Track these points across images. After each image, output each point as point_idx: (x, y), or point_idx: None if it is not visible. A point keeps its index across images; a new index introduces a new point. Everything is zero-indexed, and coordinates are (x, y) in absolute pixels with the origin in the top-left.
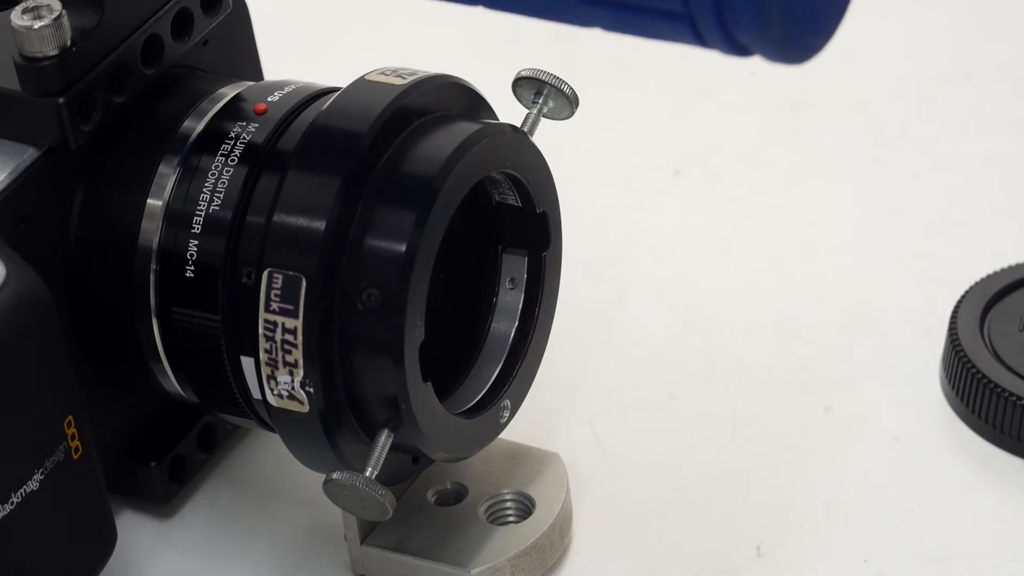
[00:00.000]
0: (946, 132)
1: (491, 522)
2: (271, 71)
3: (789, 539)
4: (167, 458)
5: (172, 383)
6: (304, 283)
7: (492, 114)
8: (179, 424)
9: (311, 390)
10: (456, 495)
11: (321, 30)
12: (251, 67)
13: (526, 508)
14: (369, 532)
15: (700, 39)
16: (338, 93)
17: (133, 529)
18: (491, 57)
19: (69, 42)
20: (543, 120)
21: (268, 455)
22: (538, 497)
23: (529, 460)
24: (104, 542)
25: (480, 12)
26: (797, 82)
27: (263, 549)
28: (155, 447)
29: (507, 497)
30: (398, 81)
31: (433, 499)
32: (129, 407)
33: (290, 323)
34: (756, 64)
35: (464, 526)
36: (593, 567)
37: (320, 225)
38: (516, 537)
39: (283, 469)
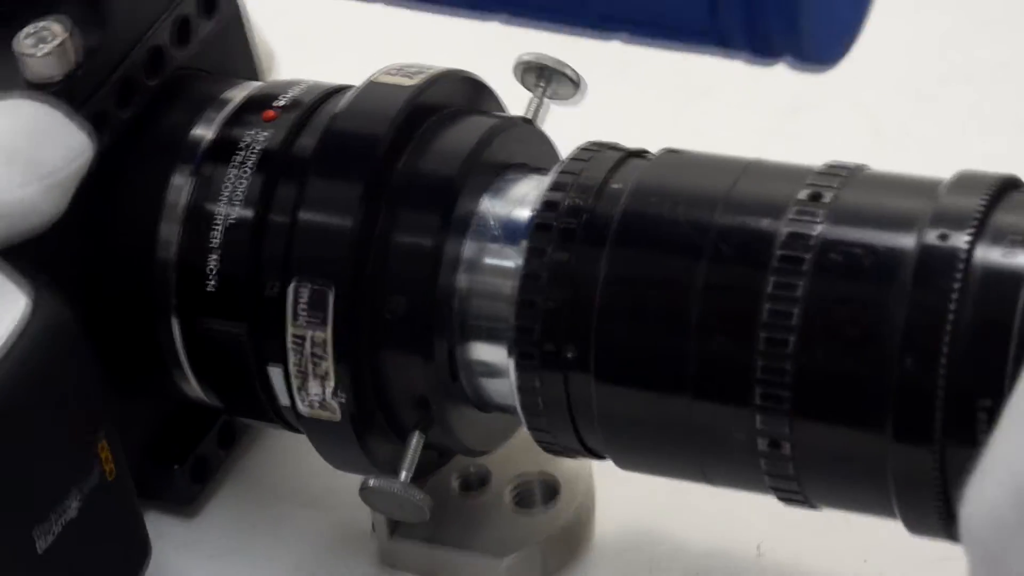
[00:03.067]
0: (946, 132)
1: (518, 505)
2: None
3: (789, 539)
4: (189, 459)
5: (195, 389)
6: (332, 294)
7: (499, 106)
8: (199, 424)
9: (343, 399)
10: (480, 479)
11: (314, 27)
12: (247, 66)
13: (551, 489)
14: (398, 524)
15: (725, 47)
16: (350, 97)
17: (157, 532)
18: (489, 57)
19: (74, 65)
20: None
21: (289, 449)
22: (562, 477)
23: None
24: (138, 557)
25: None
26: (797, 82)
27: (292, 544)
28: (177, 449)
29: (532, 479)
30: (407, 81)
31: (457, 484)
32: (149, 411)
33: (319, 335)
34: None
35: (492, 513)
36: (595, 568)
37: (345, 235)
38: (544, 523)
39: (305, 464)
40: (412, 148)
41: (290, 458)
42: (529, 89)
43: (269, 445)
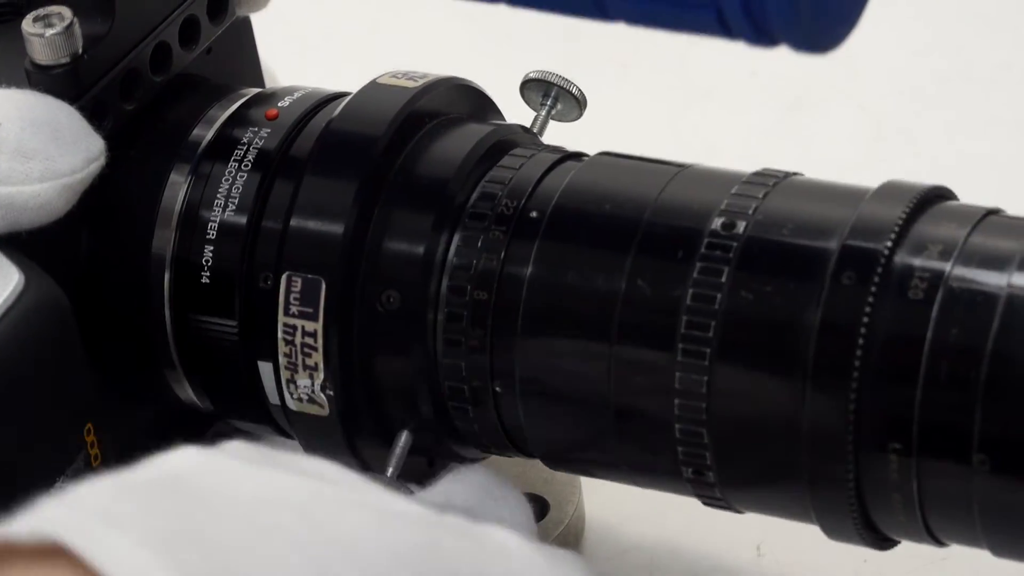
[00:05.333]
0: (946, 132)
1: None
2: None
3: (789, 539)
4: None
5: (186, 390)
6: (324, 285)
7: (500, 115)
8: (188, 433)
9: (331, 393)
10: None
11: (315, 35)
12: (253, 75)
13: (540, 509)
14: None
15: (727, 30)
16: (351, 96)
17: None
18: (489, 60)
19: (80, 50)
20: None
21: None
22: (551, 499)
23: (539, 462)
24: None
25: (478, 14)
26: (797, 82)
27: None
28: None
29: None
30: (410, 84)
31: None
32: (138, 418)
33: (310, 326)
34: (756, 64)
35: None
36: (595, 567)
37: (339, 227)
38: None
39: None
40: (410, 149)
41: None
42: (533, 107)
43: None
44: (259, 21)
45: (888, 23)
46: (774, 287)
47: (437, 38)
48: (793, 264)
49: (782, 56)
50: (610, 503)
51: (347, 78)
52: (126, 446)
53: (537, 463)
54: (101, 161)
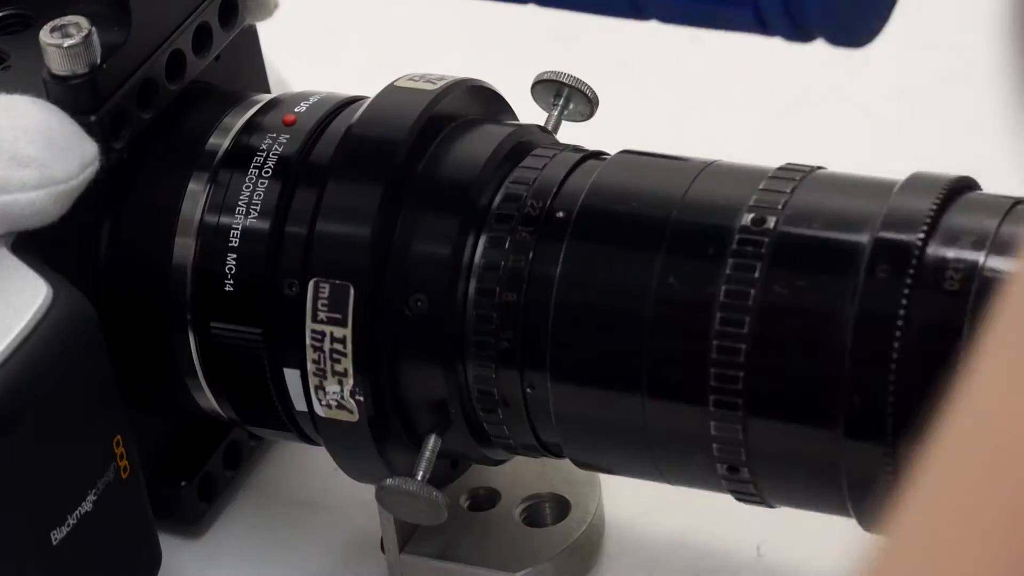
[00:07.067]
0: (946, 132)
1: (527, 525)
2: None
3: (789, 539)
4: (196, 477)
5: (208, 399)
6: (352, 291)
7: (513, 115)
8: (205, 442)
9: (361, 398)
10: (489, 500)
11: (316, 38)
12: (259, 81)
13: (561, 509)
14: (407, 540)
15: (763, 27)
16: (370, 100)
17: (164, 550)
18: (489, 61)
19: (99, 60)
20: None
21: (296, 467)
22: (572, 498)
23: (559, 461)
24: (150, 563)
25: (477, 16)
26: (797, 82)
27: (300, 562)
28: (183, 466)
29: (541, 499)
30: (429, 87)
31: (466, 504)
32: (158, 426)
33: (339, 332)
34: (756, 64)
35: (502, 530)
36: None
37: (366, 232)
38: (556, 538)
39: (313, 481)
40: (432, 151)
41: (297, 476)
42: (544, 108)
43: (275, 464)
44: (264, 28)
45: (888, 23)
46: (808, 282)
47: (436, 41)
48: (826, 258)
49: (783, 56)
50: (609, 503)
51: (352, 81)
52: (147, 457)
53: (557, 463)
54: (96, 166)
